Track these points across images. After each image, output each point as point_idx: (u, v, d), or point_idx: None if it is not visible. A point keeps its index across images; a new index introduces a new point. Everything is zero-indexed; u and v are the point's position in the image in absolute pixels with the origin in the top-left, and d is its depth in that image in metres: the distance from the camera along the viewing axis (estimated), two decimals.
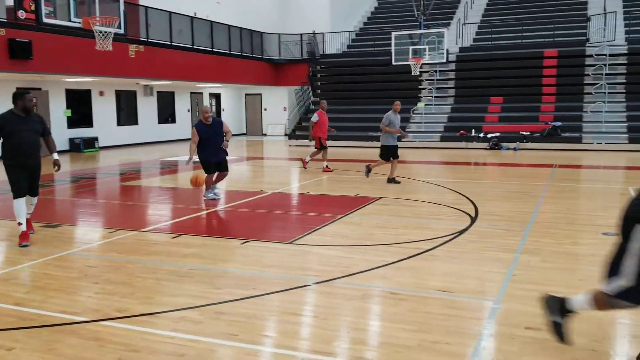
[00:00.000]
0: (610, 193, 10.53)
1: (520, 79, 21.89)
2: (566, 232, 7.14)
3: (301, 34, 26.91)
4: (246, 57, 25.43)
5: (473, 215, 8.19)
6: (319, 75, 26.17)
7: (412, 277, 5.37)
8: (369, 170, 11.69)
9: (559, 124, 19.59)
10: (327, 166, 13.60)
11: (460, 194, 10.02)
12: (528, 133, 19.72)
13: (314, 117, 13.60)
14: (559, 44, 22.11)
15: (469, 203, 9.11)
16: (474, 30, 25.13)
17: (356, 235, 7.06)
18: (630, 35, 21.71)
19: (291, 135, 24.07)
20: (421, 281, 5.25)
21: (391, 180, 11.38)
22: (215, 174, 9.58)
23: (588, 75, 21.08)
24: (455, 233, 7.02)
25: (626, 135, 18.94)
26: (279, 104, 28.64)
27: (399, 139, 11.72)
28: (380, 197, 9.71)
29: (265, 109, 29.39)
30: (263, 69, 26.75)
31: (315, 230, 7.29)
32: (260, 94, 29.07)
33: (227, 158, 9.81)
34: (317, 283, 5.17)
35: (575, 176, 13.22)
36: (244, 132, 29.90)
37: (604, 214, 8.57)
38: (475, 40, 24.60)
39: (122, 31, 12.20)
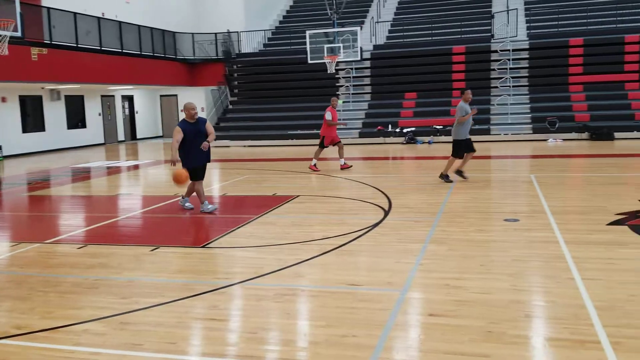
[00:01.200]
0: (514, 181, 11.10)
1: (432, 75, 22.63)
2: (472, 221, 7.45)
3: (216, 33, 26.52)
4: (159, 57, 24.76)
5: (387, 208, 8.39)
6: (235, 75, 25.90)
7: (324, 273, 5.43)
8: (447, 177, 10.73)
9: None
10: (315, 165, 13.33)
11: (376, 188, 10.24)
12: (441, 127, 20.44)
13: (328, 115, 13.16)
14: (466, 40, 23.03)
15: (384, 197, 9.32)
16: (387, 28, 25.72)
17: (271, 235, 7.05)
18: (531, 31, 22.96)
19: None
20: (332, 277, 5.32)
21: (459, 173, 10.71)
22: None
23: (494, 70, 22.11)
24: (368, 227, 7.17)
25: (530, 126, 20.04)
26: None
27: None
28: (298, 195, 9.75)
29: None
30: (177, 69, 26.15)
31: (229, 232, 7.21)
32: (176, 95, 28.40)
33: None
34: (227, 286, 5.11)
35: (484, 166, 13.82)
36: (161, 134, 29.11)
37: (508, 201, 9.03)
38: (388, 38, 25.19)
39: (19, 34, 11.53)
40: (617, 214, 7.38)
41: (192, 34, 26.78)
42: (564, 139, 18.87)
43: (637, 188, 9.25)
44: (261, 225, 7.65)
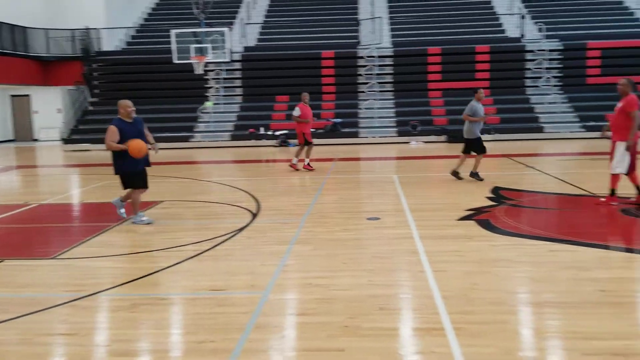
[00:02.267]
0: (379, 182, 11.59)
1: (303, 79, 23.04)
2: (337, 220, 7.66)
3: (73, 29, 24.88)
4: (7, 54, 22.74)
5: (255, 211, 8.36)
6: (95, 74, 24.49)
7: (184, 280, 5.28)
8: (475, 174, 10.67)
9: (338, 120, 21.06)
10: (309, 164, 12.94)
11: (245, 191, 10.18)
12: (312, 130, 20.82)
13: (296, 111, 12.63)
14: (334, 45, 23.73)
15: (254, 200, 9.29)
16: (257, 30, 25.77)
17: (130, 243, 6.73)
18: (395, 39, 24.20)
19: (68, 140, 22.15)
20: (193, 283, 5.19)
21: (475, 175, 10.69)
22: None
23: (361, 75, 23.02)
24: (234, 231, 7.09)
25: (395, 129, 21.09)
26: (51, 105, 26.11)
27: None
28: (162, 201, 9.42)
29: (36, 112, 26.60)
30: (29, 67, 24.20)
31: (84, 241, 6.77)
32: (28, 95, 26.24)
33: None
34: (79, 298, 4.79)
35: (352, 168, 14.30)
36: (12, 137, 26.73)
37: (372, 201, 9.42)
38: (259, 40, 25.25)
39: None
40: (467, 210, 7.97)
41: (46, 29, 24.91)
42: (424, 142, 20.08)
43: (486, 186, 10.05)
44: (120, 233, 7.27)
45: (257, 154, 18.21)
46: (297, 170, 12.93)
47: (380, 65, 23.00)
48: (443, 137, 20.29)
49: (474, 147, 10.74)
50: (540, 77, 22.43)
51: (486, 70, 22.75)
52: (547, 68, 22.54)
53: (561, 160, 14.32)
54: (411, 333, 3.96)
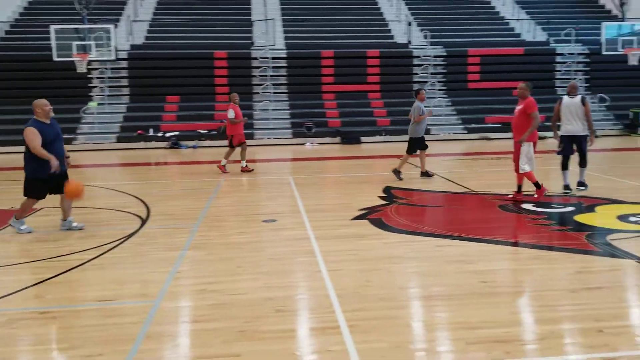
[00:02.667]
0: (275, 184, 11.59)
1: (195, 79, 22.53)
2: (232, 224, 7.56)
3: None
4: None
5: (144, 217, 8.04)
6: None
7: (69, 292, 4.96)
8: (398, 172, 11.09)
9: None
10: (246, 165, 12.70)
11: (134, 196, 9.76)
12: (205, 131, 20.46)
13: (231, 113, 12.36)
14: (227, 46, 23.41)
15: (143, 205, 8.93)
16: (145, 28, 24.82)
17: (6, 255, 6.21)
18: (289, 41, 24.33)
19: None
20: (78, 294, 4.89)
21: (425, 174, 11.29)
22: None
23: (255, 76, 22.92)
24: (122, 238, 6.77)
25: (290, 131, 21.22)
26: None
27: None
28: (42, 208, 8.77)
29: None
30: None
31: None
32: None
33: None
34: None
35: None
36: None
37: (268, 203, 9.39)
38: (147, 38, 24.33)
39: None
40: (360, 210, 8.18)
41: None
42: (319, 143, 20.37)
43: (379, 185, 10.37)
44: None
45: (146, 156, 17.53)
46: (226, 172, 12.59)
47: (274, 67, 23.04)
48: (337, 139, 20.71)
49: (418, 145, 11.37)
50: (426, 82, 23.55)
51: (377, 74, 23.52)
52: (432, 73, 23.73)
53: (446, 160, 15.12)
54: (308, 333, 3.99)
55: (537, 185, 8.53)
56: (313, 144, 20.28)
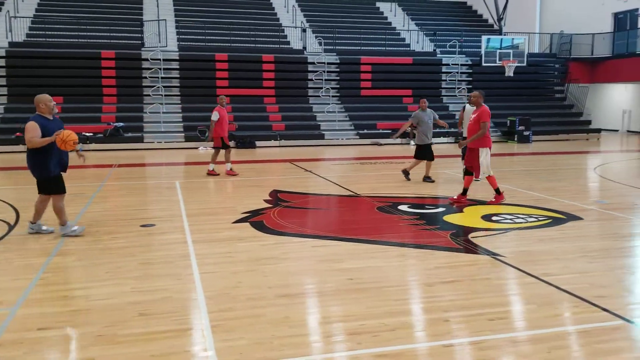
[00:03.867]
0: (160, 188, 11.35)
1: (80, 79, 21.51)
2: (107, 229, 7.32)
3: None
4: None
5: (13, 223, 7.59)
6: None
7: None
8: (407, 174, 11.46)
9: (121, 124, 20.08)
10: (231, 169, 12.59)
11: (3, 201, 9.17)
12: (91, 134, 19.56)
13: (215, 116, 12.23)
14: (116, 46, 22.56)
15: (12, 210, 8.42)
16: (27, 24, 23.35)
17: None
18: (181, 43, 23.88)
19: None
20: None
21: (427, 179, 11.37)
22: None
23: (145, 77, 22.25)
24: None
25: (182, 134, 20.81)
26: None
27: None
28: None
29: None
30: None
31: None
32: None
33: None
34: None
35: (133, 174, 13.75)
36: None
37: (148, 207, 9.18)
38: (29, 35, 22.90)
39: None
40: (243, 213, 8.23)
41: None
42: (213, 147, 20.10)
43: (268, 189, 10.46)
44: None
45: (22, 160, 16.44)
46: (217, 175, 12.43)
47: (165, 69, 22.50)
48: (232, 143, 20.55)
49: (425, 152, 11.41)
50: (320, 88, 24.05)
51: (272, 79, 23.67)
52: (326, 80, 24.26)
53: (336, 164, 15.52)
54: (168, 335, 3.97)
55: (497, 191, 8.94)
56: (206, 148, 20.00)
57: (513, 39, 24.80)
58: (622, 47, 27.31)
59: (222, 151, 12.80)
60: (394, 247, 6.40)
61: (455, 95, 25.64)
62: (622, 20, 29.01)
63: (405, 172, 11.61)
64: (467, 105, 10.08)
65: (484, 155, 8.85)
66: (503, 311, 4.40)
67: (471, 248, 6.31)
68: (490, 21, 30.15)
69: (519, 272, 5.43)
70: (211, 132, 12.61)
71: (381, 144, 21.48)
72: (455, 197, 9.21)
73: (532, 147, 21.11)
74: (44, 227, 7.00)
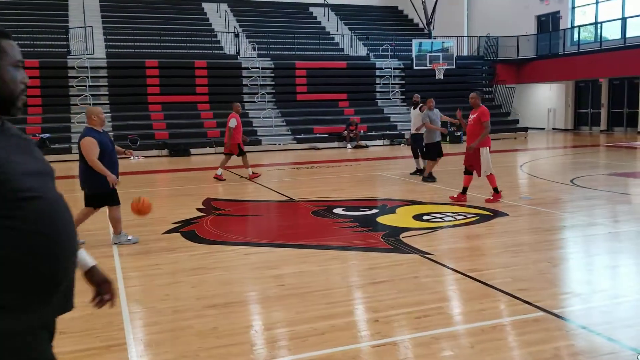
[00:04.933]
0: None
1: None
2: None
3: None
4: None
5: None
6: None
7: None
8: (430, 176, 11.58)
9: (47, 135, 19.27)
10: (253, 172, 12.80)
11: None
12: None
13: (233, 123, 12.26)
14: (40, 54, 21.66)
15: None
16: None
17: None
18: (109, 50, 23.18)
19: None
20: None
21: (428, 177, 11.56)
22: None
23: (72, 86, 21.46)
24: None
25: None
26: None
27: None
28: None
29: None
30: None
31: None
32: None
33: None
34: None
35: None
36: None
37: None
38: None
39: None
40: (175, 223, 8.04)
41: None
42: (145, 156, 19.63)
43: (202, 198, 10.27)
44: None
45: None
46: (224, 180, 12.56)
47: (93, 77, 21.77)
48: (165, 151, 20.16)
49: (435, 150, 11.64)
50: (256, 93, 23.92)
51: (205, 85, 23.36)
52: (261, 85, 24.16)
53: (273, 169, 15.46)
54: (91, 353, 3.81)
55: (496, 190, 9.13)
56: (138, 157, 19.49)
57: (443, 42, 25.52)
58: (545, 48, 28.63)
59: (227, 157, 12.98)
60: (327, 250, 6.41)
61: (390, 99, 26.12)
62: (544, 23, 30.45)
63: (430, 176, 11.60)
64: (412, 109, 10.89)
65: (485, 154, 9.13)
66: (430, 308, 4.47)
67: (402, 248, 6.41)
68: (421, 25, 30.93)
69: (446, 269, 5.55)
70: (231, 138, 12.56)
71: (318, 148, 21.58)
72: (455, 196, 9.38)
73: (464, 147, 21.72)
74: (130, 237, 6.92)
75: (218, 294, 5.01)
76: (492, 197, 9.22)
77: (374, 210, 8.82)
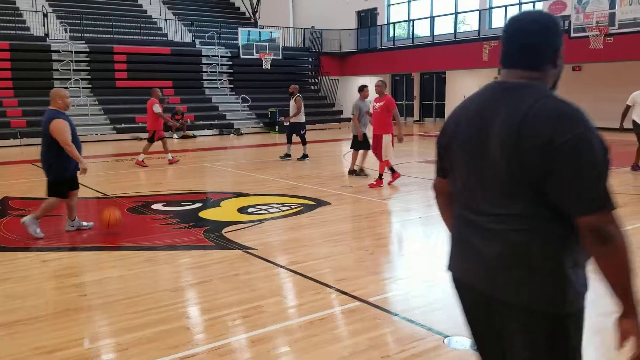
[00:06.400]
0: None
1: None
2: None
3: None
4: None
5: None
6: None
7: None
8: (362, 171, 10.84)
9: None
10: (142, 160, 12.69)
11: None
12: None
13: (157, 108, 12.47)
14: None
15: None
16: None
17: None
18: None
19: None
20: None
21: (359, 172, 10.83)
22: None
23: None
24: None
25: None
26: None
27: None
28: None
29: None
30: None
31: None
32: None
33: None
34: None
35: None
36: None
37: None
38: None
39: None
40: None
41: None
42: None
43: None
44: None
45: None
46: (146, 166, 12.55)
47: None
48: None
49: (363, 142, 10.69)
50: (69, 79, 21.81)
51: (7, 69, 20.74)
52: (75, 70, 22.09)
53: (88, 163, 14.13)
54: None
55: (380, 176, 9.57)
56: None
57: (272, 32, 25.58)
58: (365, 43, 30.17)
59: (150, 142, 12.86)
60: (141, 251, 5.88)
61: (217, 88, 25.55)
62: (364, 18, 32.07)
63: (360, 170, 10.88)
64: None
65: (387, 140, 9.44)
66: (250, 308, 4.25)
67: (223, 244, 6.12)
68: (248, 15, 30.72)
69: (267, 263, 5.39)
70: (154, 124, 12.64)
71: (141, 138, 20.32)
72: (374, 182, 9.65)
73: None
74: (85, 223, 6.79)
75: (5, 310, 4.28)
76: (374, 182, 9.70)
77: (197, 205, 8.38)
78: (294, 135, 13.73)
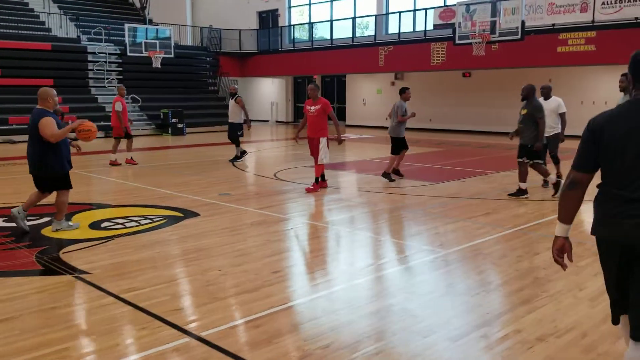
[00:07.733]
0: None
1: None
2: None
3: None
4: None
5: None
6: None
7: None
8: (391, 174, 10.48)
9: None
10: (132, 158, 12.94)
11: None
12: None
13: (119, 106, 12.41)
14: None
15: None
16: None
17: None
18: None
19: None
20: None
21: (397, 172, 10.69)
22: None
23: None
24: None
25: None
26: None
27: None
28: None
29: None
30: None
31: None
32: None
33: None
34: None
35: None
36: None
37: None
38: None
39: None
40: None
41: None
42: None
43: None
44: None
45: None
46: (119, 165, 12.61)
47: None
48: None
49: (403, 145, 10.55)
50: None
51: None
52: None
53: None
54: None
55: (317, 180, 9.48)
56: None
57: (165, 30, 24.34)
58: (266, 44, 29.62)
59: (117, 140, 12.85)
60: None
61: (105, 86, 24.01)
62: (265, 19, 31.51)
63: (396, 172, 10.68)
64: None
65: (324, 143, 9.31)
66: (48, 353, 3.54)
67: (56, 268, 5.33)
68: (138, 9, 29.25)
69: (98, 292, 4.68)
70: (122, 122, 12.56)
71: (15, 142, 18.57)
72: (311, 187, 9.48)
73: (186, 139, 21.11)
74: (72, 223, 6.81)
75: None
76: (312, 187, 9.46)
77: (45, 219, 7.42)
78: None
